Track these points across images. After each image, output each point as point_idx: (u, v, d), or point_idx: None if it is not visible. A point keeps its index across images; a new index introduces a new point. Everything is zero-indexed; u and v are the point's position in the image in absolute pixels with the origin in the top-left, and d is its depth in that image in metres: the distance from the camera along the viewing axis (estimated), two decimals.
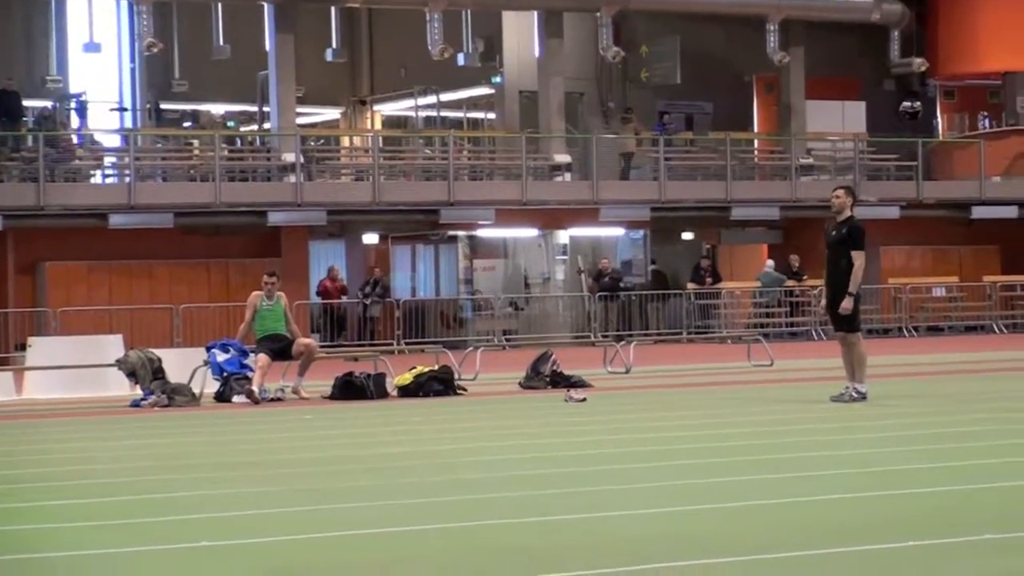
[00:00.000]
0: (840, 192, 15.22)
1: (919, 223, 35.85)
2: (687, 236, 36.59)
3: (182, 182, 30.97)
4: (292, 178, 30.56)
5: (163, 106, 36.96)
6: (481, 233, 34.12)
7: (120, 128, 34.01)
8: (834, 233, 15.02)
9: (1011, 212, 36.21)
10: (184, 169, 31.85)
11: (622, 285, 33.46)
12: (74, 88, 35.73)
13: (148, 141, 33.06)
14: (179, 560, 6.93)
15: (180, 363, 18.13)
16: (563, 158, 33.75)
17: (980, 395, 16.40)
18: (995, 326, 34.92)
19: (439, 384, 17.50)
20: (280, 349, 17.84)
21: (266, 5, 31.77)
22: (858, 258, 14.75)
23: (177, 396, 16.97)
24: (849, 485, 8.96)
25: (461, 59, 34.69)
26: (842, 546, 6.80)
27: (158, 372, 17.47)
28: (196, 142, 33.92)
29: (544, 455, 10.93)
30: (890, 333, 34.25)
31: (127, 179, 29.84)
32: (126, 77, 35.84)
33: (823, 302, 15.43)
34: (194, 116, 38.65)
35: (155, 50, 30.83)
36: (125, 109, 35.57)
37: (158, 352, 18.15)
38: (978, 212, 36.03)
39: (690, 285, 33.69)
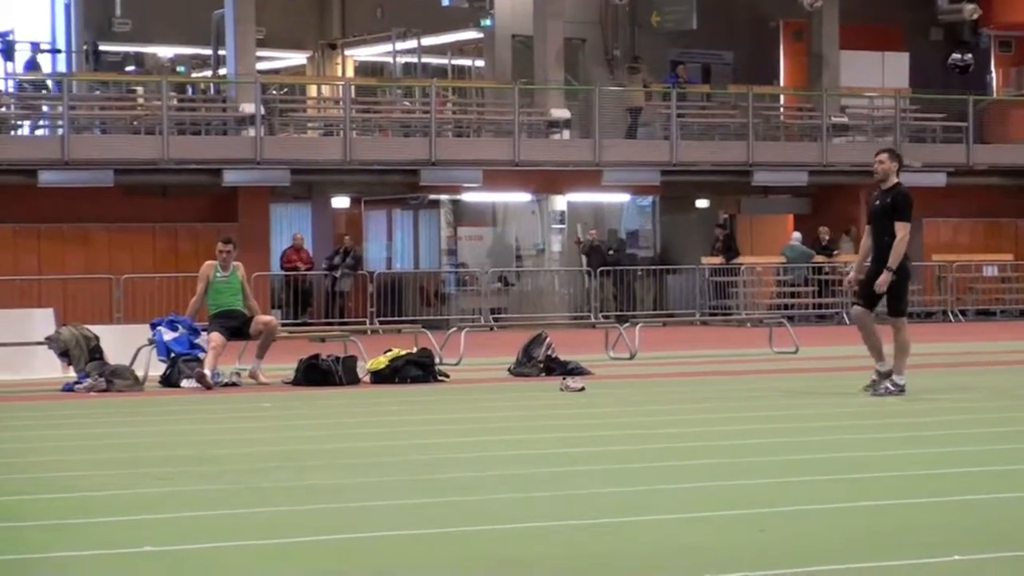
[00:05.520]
0: (883, 156, 15.17)
1: (969, 192, 35.89)
2: (702, 204, 36.62)
3: (124, 135, 30.93)
4: (251, 132, 30.54)
5: (102, 48, 36.83)
6: (467, 198, 34.13)
7: (52, 72, 33.89)
8: (878, 203, 15.01)
9: None
10: (126, 120, 31.80)
11: (614, 257, 33.46)
12: None
13: (84, 88, 32.97)
14: (121, 566, 6.95)
15: (121, 342, 18.13)
16: (561, 113, 33.74)
17: None
18: None
19: (417, 369, 17.53)
20: (236, 327, 17.86)
21: None
22: (900, 229, 14.71)
23: (117, 380, 16.97)
24: (882, 490, 9.01)
25: None
26: (872, 560, 6.83)
27: (95, 352, 17.48)
28: (140, 89, 33.83)
29: (535, 452, 10.97)
30: (933, 317, 34.32)
31: (60, 131, 29.79)
32: (59, 14, 35.68)
33: (851, 275, 15.56)
34: (138, 60, 38.51)
35: None
36: (58, 51, 35.42)
37: (95, 329, 18.16)
38: None
39: (707, 260, 33.76)
